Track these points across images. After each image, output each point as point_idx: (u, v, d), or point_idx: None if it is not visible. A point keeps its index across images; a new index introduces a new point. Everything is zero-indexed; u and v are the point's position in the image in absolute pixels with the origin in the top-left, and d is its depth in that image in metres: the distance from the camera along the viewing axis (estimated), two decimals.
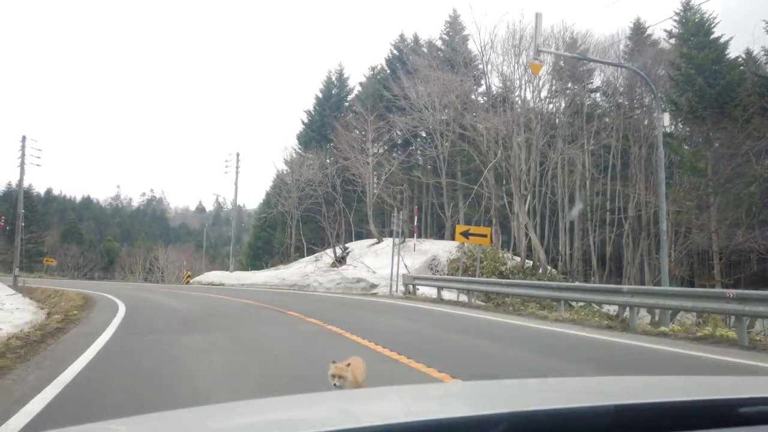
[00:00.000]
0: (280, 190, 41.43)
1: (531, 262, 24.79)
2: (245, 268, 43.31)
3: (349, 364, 3.05)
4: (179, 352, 6.64)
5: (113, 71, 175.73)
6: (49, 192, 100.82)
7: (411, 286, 17.11)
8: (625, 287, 9.33)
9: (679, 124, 29.42)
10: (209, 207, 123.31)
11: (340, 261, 31.23)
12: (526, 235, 24.10)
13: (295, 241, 40.69)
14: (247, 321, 10.35)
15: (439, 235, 32.61)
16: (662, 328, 8.71)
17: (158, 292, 22.07)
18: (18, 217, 30.98)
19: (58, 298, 18.32)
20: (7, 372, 5.44)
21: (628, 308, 9.62)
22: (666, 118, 14.92)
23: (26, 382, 5.01)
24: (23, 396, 4.45)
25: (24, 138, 31.64)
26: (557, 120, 30.59)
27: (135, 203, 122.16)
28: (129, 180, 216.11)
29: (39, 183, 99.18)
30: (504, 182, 28.41)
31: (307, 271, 30.26)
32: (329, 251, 32.57)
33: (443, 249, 25.92)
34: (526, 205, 24.44)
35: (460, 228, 16.91)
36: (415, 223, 20.77)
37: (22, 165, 30.75)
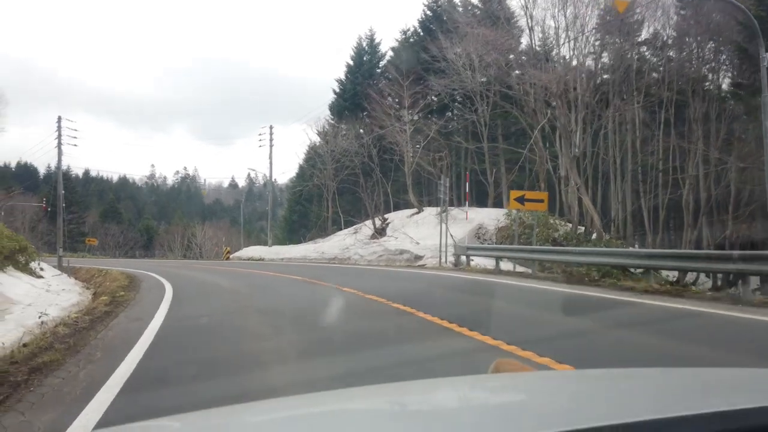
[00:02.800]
0: (315, 163, 40.69)
1: (583, 228, 23.53)
2: (282, 243, 43.08)
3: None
4: (240, 339, 5.93)
5: (141, 48, 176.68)
6: (87, 173, 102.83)
7: (464, 257, 16.18)
8: (735, 253, 8.21)
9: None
10: (241, 183, 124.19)
11: (380, 232, 30.50)
12: (579, 199, 22.78)
13: (332, 213, 40.11)
14: (306, 301, 9.52)
15: (481, 203, 31.40)
16: None
17: (200, 269, 21.77)
18: (59, 199, 31.15)
19: (102, 278, 18.13)
20: (55, 368, 4.79)
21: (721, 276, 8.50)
22: None
23: (78, 382, 4.33)
24: (76, 400, 3.76)
25: (59, 118, 31.64)
26: (608, 76, 28.74)
27: (169, 182, 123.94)
28: (163, 159, 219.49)
29: (77, 165, 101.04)
30: (551, 144, 26.92)
31: (347, 243, 29.66)
32: (368, 223, 31.86)
33: (489, 217, 24.83)
34: (578, 168, 23.02)
35: (515, 194, 15.81)
36: (467, 190, 19.64)
37: (59, 146, 30.77)
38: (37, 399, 3.86)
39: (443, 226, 18.18)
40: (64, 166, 34.87)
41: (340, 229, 37.23)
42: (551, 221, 21.54)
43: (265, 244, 43.30)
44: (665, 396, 1.16)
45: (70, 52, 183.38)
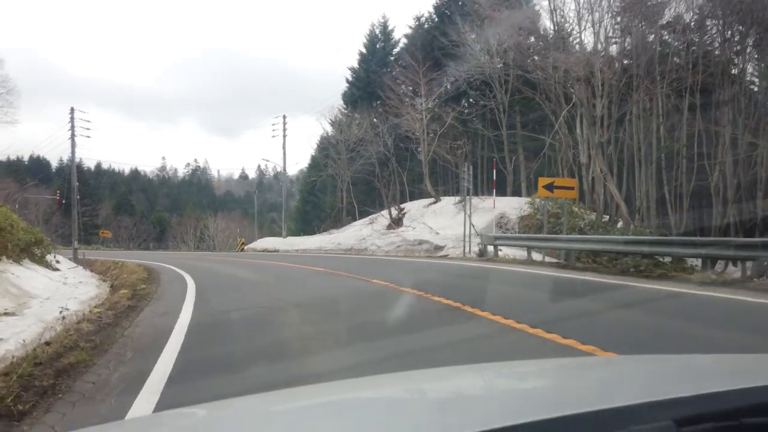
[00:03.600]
0: (329, 153, 40.15)
1: (607, 216, 22.86)
2: (295, 234, 42.72)
3: None
4: (277, 332, 5.46)
5: (148, 42, 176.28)
6: (98, 166, 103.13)
7: (491, 247, 15.62)
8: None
9: None
10: (252, 175, 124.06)
11: (396, 222, 30.00)
12: (604, 186, 22.09)
13: (346, 204, 39.62)
14: (338, 293, 8.96)
15: (500, 192, 30.74)
16: None
17: (217, 261, 21.41)
18: (72, 191, 30.90)
19: (119, 270, 17.83)
20: (84, 370, 4.34)
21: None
22: None
23: (111, 387, 3.87)
24: (112, 410, 3.31)
25: (72, 110, 31.33)
26: (628, 61, 27.86)
27: (180, 174, 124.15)
28: (173, 151, 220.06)
29: (89, 158, 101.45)
30: (571, 131, 26.17)
31: (363, 234, 29.19)
32: (384, 213, 31.36)
33: (510, 206, 24.22)
34: (603, 155, 22.29)
35: (543, 181, 15.18)
36: (494, 177, 19.02)
37: (72, 137, 30.47)
38: (68, 409, 3.41)
39: (466, 215, 17.61)
40: (76, 159, 34.65)
41: (355, 220, 36.76)
42: (575, 209, 20.89)
43: (277, 235, 42.96)
44: (657, 381, 1.21)
45: (79, 46, 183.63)
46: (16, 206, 43.02)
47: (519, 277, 10.36)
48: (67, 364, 4.50)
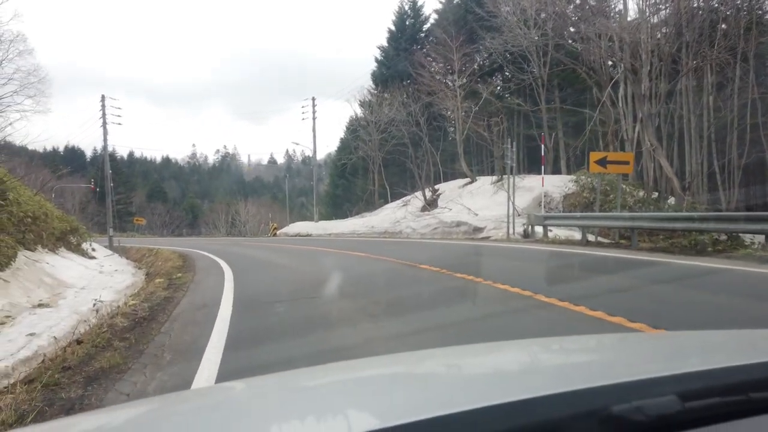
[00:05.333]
0: (359, 134, 39.34)
1: (656, 193, 21.58)
2: (326, 218, 42.28)
3: None
4: (333, 332, 4.79)
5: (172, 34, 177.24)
6: (131, 155, 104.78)
7: (539, 228, 14.70)
8: None
9: None
10: (280, 160, 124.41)
11: (431, 204, 29.18)
12: (653, 161, 20.79)
13: (378, 186, 38.89)
14: (393, 283, 8.10)
15: (538, 170, 29.53)
16: None
17: (252, 247, 21.02)
18: (106, 178, 30.96)
19: (154, 257, 17.61)
20: (117, 376, 3.76)
21: None
22: None
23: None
24: None
25: (103, 97, 31.26)
26: (666, 30, 26.14)
27: (210, 160, 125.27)
28: (203, 138, 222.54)
29: (121, 146, 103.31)
30: (613, 104, 24.75)
31: (397, 216, 28.47)
32: (418, 194, 30.53)
33: (551, 184, 23.10)
34: (652, 128, 20.91)
35: (595, 155, 14.14)
36: (543, 153, 17.98)
37: (104, 124, 30.41)
38: None
39: (510, 194, 16.69)
40: (109, 148, 34.75)
41: (387, 202, 36.04)
42: (623, 186, 19.72)
43: (308, 219, 42.57)
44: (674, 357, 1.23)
45: (110, 39, 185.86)
46: (53, 195, 43.73)
47: (589, 260, 9.35)
48: (98, 369, 3.94)
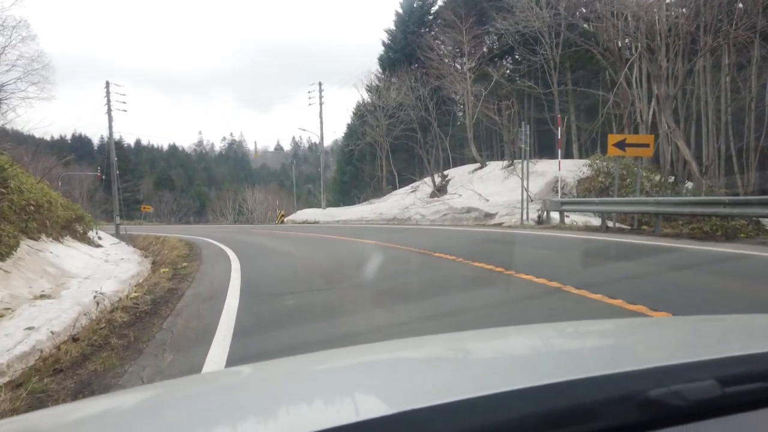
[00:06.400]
0: (366, 120, 38.75)
1: (672, 177, 20.99)
2: (333, 205, 41.90)
3: None
4: (353, 339, 4.41)
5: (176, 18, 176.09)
6: (138, 143, 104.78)
7: (555, 213, 14.23)
8: None
9: None
10: (286, 147, 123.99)
11: (440, 190, 28.71)
12: (670, 145, 20.19)
13: (386, 172, 38.38)
14: (411, 272, 7.59)
15: (550, 154, 28.94)
16: None
17: (258, 234, 20.69)
18: (111, 165, 30.63)
19: (160, 245, 17.34)
20: (112, 381, 3.39)
21: None
22: None
23: None
24: None
25: (107, 83, 30.83)
26: (680, 10, 25.29)
27: (217, 148, 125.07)
28: (209, 126, 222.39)
29: (128, 134, 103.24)
30: (630, 86, 24.06)
31: (406, 203, 28.04)
32: (427, 180, 30.05)
33: (564, 168, 22.54)
34: (670, 110, 20.25)
35: (614, 138, 13.60)
36: (559, 135, 17.41)
37: (108, 111, 30.01)
38: None
39: (523, 179, 16.20)
40: (115, 136, 34.40)
41: (396, 189, 35.57)
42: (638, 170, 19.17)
43: (315, 206, 42.24)
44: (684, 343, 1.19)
45: (117, 28, 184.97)
46: (59, 183, 43.58)
47: (621, 248, 8.78)
48: (92, 372, 3.58)
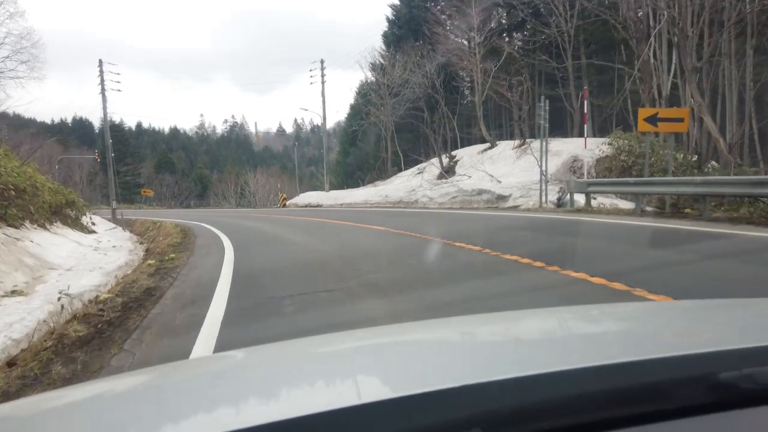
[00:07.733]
0: (370, 99, 37.40)
1: (697, 155, 19.79)
2: (337, 187, 40.79)
3: None
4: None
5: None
6: (139, 126, 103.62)
7: (578, 196, 13.11)
8: None
9: None
10: (289, 129, 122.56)
11: (448, 171, 27.57)
12: (694, 121, 18.93)
13: (391, 154, 37.16)
14: (434, 268, 6.34)
15: (563, 132, 27.67)
16: None
17: (259, 219, 19.68)
18: (107, 148, 29.53)
19: (156, 231, 16.48)
20: None
21: None
22: None
23: None
24: None
25: (101, 62, 29.58)
26: None
27: (219, 130, 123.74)
28: (211, 108, 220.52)
29: (129, 116, 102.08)
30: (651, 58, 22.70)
31: (413, 185, 26.92)
32: (434, 161, 28.89)
33: (580, 147, 21.38)
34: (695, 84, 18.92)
35: (644, 112, 12.43)
36: (585, 111, 16.22)
37: (102, 91, 28.78)
38: None
39: (542, 159, 15.07)
40: (116, 119, 33.33)
41: (401, 170, 34.43)
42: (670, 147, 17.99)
43: (318, 188, 41.13)
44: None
45: (115, 10, 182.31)
46: (56, 167, 42.58)
47: (675, 236, 7.52)
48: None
